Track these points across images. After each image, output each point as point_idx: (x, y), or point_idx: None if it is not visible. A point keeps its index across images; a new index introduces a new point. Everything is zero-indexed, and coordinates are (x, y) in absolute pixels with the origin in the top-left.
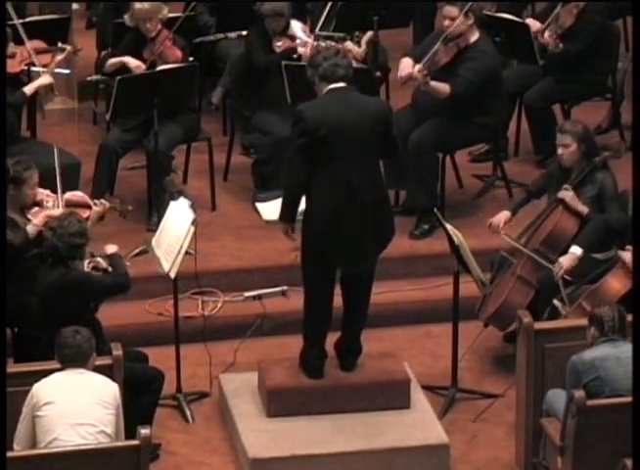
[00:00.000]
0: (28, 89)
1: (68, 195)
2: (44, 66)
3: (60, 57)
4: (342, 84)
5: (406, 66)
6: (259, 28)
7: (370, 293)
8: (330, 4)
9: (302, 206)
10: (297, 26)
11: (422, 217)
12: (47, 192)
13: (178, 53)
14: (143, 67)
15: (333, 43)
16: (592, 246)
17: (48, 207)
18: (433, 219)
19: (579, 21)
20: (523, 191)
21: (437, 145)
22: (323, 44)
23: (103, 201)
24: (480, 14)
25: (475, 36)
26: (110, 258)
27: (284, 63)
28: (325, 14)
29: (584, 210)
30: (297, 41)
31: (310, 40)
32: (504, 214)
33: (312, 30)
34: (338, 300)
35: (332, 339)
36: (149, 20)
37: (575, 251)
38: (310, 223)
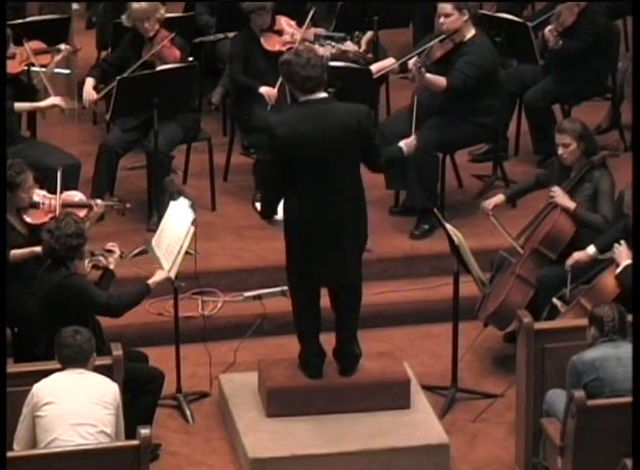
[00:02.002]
0: (20, 106)
1: (65, 195)
2: (43, 66)
3: (58, 57)
4: (316, 96)
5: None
6: (246, 32)
7: (359, 298)
8: (313, 10)
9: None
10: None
11: (422, 217)
12: (44, 193)
13: (176, 53)
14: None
15: (333, 44)
16: (608, 248)
17: (44, 208)
18: (433, 219)
19: (580, 20)
20: (533, 177)
21: (437, 145)
22: (323, 46)
23: (99, 201)
24: (475, 11)
25: (470, 33)
26: (139, 284)
27: None
28: (310, 16)
29: (572, 205)
30: (285, 36)
31: (298, 32)
32: (498, 197)
33: (300, 26)
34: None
35: (332, 340)
36: (146, 19)
37: (590, 250)
38: (287, 236)
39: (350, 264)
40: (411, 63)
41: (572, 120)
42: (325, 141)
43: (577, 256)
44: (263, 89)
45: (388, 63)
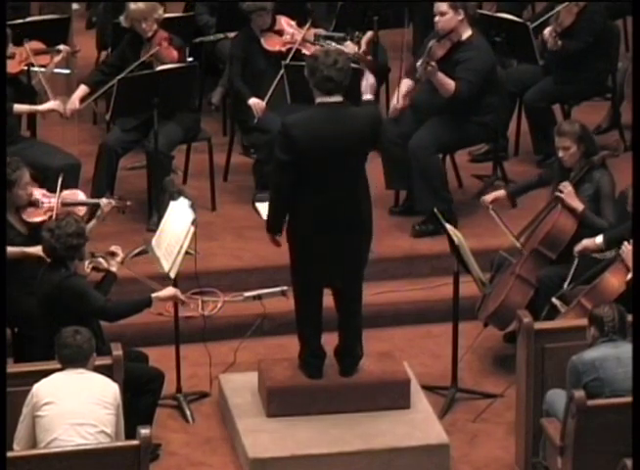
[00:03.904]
0: (20, 108)
1: (65, 193)
2: (43, 66)
3: (57, 58)
4: (332, 99)
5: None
6: (246, 33)
7: (359, 301)
8: (309, 23)
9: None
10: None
11: (429, 218)
12: (43, 191)
13: (174, 53)
14: None
15: (333, 44)
16: (615, 244)
17: (43, 207)
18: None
19: (579, 20)
20: (535, 176)
21: (438, 145)
22: (324, 47)
23: (104, 200)
24: (473, 11)
25: (467, 33)
26: (143, 295)
27: (284, 63)
28: (307, 25)
29: (580, 206)
30: (285, 36)
31: (298, 32)
32: (499, 192)
33: (301, 26)
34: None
35: (332, 340)
36: (144, 20)
37: (597, 239)
38: (292, 235)
39: (352, 265)
40: (418, 66)
41: (571, 122)
42: (340, 144)
43: (586, 242)
44: (252, 101)
45: (406, 86)
